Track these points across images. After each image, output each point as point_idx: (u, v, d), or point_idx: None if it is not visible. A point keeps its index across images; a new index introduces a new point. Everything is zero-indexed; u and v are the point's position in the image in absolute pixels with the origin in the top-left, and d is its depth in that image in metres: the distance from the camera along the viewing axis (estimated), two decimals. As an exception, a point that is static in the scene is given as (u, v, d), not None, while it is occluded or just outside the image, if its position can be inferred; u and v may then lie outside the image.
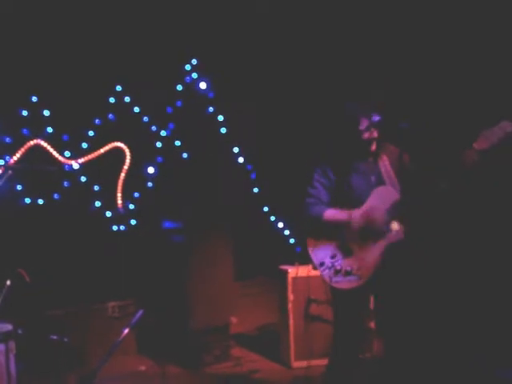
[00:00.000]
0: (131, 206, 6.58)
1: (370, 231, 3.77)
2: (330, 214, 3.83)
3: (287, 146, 6.98)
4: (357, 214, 3.77)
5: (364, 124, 3.79)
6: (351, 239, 3.82)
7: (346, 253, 3.82)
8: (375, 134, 3.83)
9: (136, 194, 6.63)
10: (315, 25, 6.75)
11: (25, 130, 6.19)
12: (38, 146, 6.17)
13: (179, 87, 6.94)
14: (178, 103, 6.91)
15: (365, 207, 3.79)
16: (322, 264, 3.85)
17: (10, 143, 6.09)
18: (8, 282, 3.80)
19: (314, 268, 3.94)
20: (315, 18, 6.73)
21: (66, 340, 3.97)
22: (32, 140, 6.15)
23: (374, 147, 3.90)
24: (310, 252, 3.92)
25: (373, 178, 3.88)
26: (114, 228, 6.48)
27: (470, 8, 5.54)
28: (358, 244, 3.80)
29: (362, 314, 3.96)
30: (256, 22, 6.86)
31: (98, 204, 6.46)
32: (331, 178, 3.91)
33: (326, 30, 6.70)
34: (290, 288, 5.37)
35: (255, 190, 7.24)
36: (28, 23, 6.01)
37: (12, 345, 3.44)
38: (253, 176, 7.22)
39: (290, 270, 5.39)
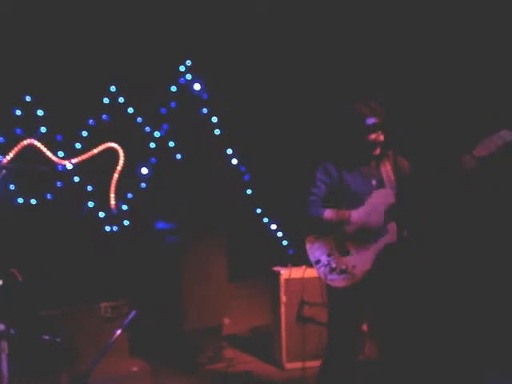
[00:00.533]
0: (124, 207, 6.57)
1: (366, 232, 3.81)
2: (330, 214, 3.86)
3: (281, 148, 6.98)
4: (355, 215, 3.81)
5: (370, 121, 3.81)
6: (348, 239, 3.86)
7: (343, 252, 3.85)
8: (381, 138, 3.84)
9: (129, 195, 6.62)
10: (312, 24, 6.77)
11: (18, 129, 6.18)
12: (31, 145, 6.17)
13: (173, 88, 6.93)
14: (172, 104, 6.91)
15: (363, 209, 3.82)
16: (318, 262, 3.89)
17: (3, 143, 6.09)
18: (0, 282, 3.78)
19: (310, 265, 3.98)
20: (312, 18, 6.74)
21: (58, 340, 3.96)
22: (25, 140, 6.14)
23: (378, 151, 3.91)
24: (308, 249, 3.95)
25: (374, 182, 3.92)
26: (107, 229, 6.47)
27: (471, 11, 5.56)
28: (355, 244, 3.84)
29: (357, 316, 3.95)
30: (252, 22, 6.87)
31: (91, 204, 6.45)
32: (333, 176, 3.92)
33: (325, 29, 6.72)
34: (282, 290, 5.37)
35: (249, 191, 7.25)
36: (22, 23, 6.00)
37: (4, 345, 3.44)
38: (246, 178, 7.22)
39: (282, 272, 5.39)
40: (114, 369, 5.29)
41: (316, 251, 3.93)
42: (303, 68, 6.90)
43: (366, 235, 3.82)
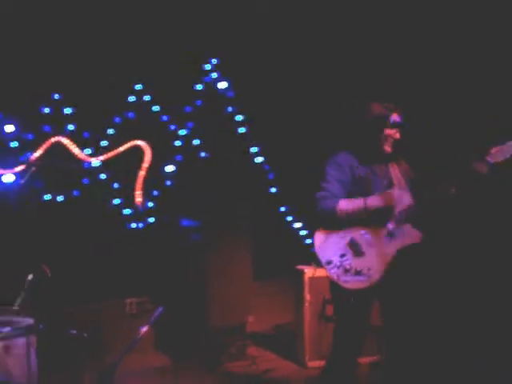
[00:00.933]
0: (150, 204, 6.63)
1: (383, 217, 3.75)
2: (345, 202, 3.74)
3: (306, 146, 6.96)
4: (371, 199, 3.73)
5: (392, 119, 3.79)
6: (363, 238, 3.77)
7: (357, 252, 3.74)
8: (397, 136, 3.82)
9: (155, 192, 6.68)
10: (333, 23, 6.79)
11: (46, 127, 6.26)
12: (59, 143, 6.24)
13: (199, 86, 6.98)
14: (198, 102, 6.96)
15: (379, 195, 3.75)
16: (329, 262, 3.76)
17: (32, 140, 6.16)
18: (30, 277, 3.84)
19: (321, 266, 3.84)
20: (333, 18, 6.76)
21: (84, 335, 3.99)
22: (53, 137, 6.22)
23: (390, 149, 3.87)
24: (317, 249, 3.82)
25: (385, 181, 3.87)
26: (133, 225, 6.54)
27: (474, 11, 5.56)
28: (370, 244, 3.76)
29: (366, 317, 3.87)
30: (276, 21, 6.88)
31: (116, 201, 6.52)
32: (345, 171, 3.82)
33: (343, 29, 6.75)
34: (306, 288, 5.38)
35: (273, 190, 7.26)
36: (50, 21, 6.07)
37: (33, 339, 3.48)
38: (270, 176, 7.23)
39: (306, 270, 5.40)
40: (139, 364, 5.33)
41: (327, 251, 3.79)
42: (328, 66, 6.90)
43: (381, 234, 3.75)
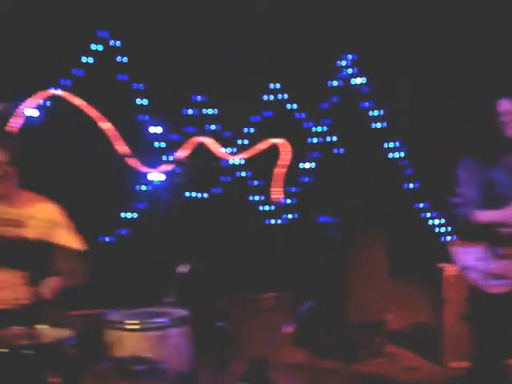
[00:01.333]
0: (287, 201, 6.76)
1: None
2: (480, 214, 3.64)
3: (445, 141, 6.81)
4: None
5: (505, 106, 3.64)
6: (503, 241, 3.64)
7: (498, 255, 3.62)
8: None
9: (293, 189, 6.81)
10: (470, 23, 6.62)
11: (190, 127, 6.55)
12: (201, 142, 6.52)
13: (335, 83, 7.03)
14: (334, 99, 7.01)
15: None
16: (468, 267, 3.66)
17: (177, 140, 6.48)
18: (180, 269, 4.00)
19: (459, 270, 3.76)
20: (471, 16, 6.59)
21: (227, 327, 4.11)
22: (196, 137, 6.50)
23: None
24: (455, 254, 3.74)
25: None
26: (272, 222, 6.70)
27: None
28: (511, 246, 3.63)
29: (509, 320, 3.71)
30: (415, 16, 6.79)
31: (256, 198, 6.70)
32: (474, 172, 3.70)
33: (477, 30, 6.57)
34: (445, 286, 5.29)
35: (411, 185, 7.15)
36: (193, 25, 6.36)
37: (187, 329, 3.67)
38: (408, 171, 7.13)
39: (446, 269, 5.30)
40: (277, 358, 5.41)
41: (464, 255, 3.69)
42: (468, 62, 6.73)
43: None
